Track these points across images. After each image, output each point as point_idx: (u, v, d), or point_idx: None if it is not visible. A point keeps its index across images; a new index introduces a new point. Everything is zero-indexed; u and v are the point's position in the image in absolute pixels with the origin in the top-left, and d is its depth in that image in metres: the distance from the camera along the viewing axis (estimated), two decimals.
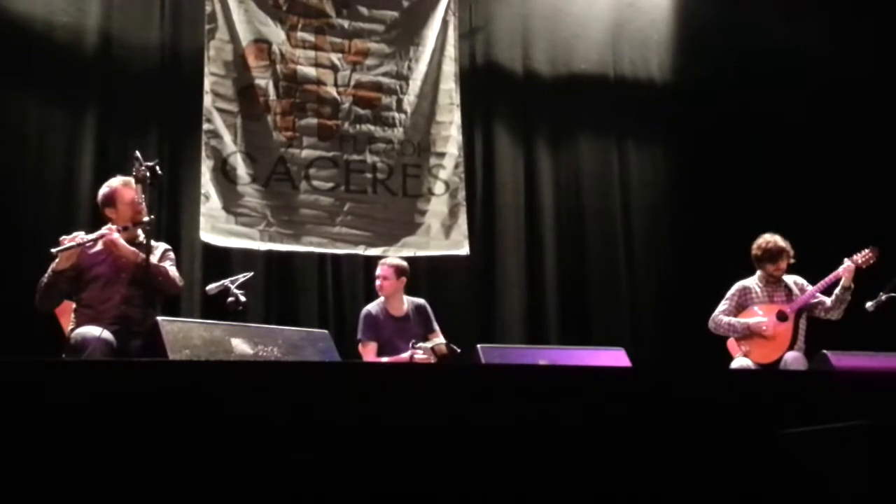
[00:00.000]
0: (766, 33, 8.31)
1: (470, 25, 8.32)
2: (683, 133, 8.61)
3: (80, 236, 5.13)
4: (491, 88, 8.37)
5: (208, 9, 7.40)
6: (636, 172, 8.60)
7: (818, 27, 8.36)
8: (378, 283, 6.64)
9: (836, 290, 6.32)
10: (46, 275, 5.12)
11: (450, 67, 8.08)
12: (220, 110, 7.38)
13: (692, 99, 8.57)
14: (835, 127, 8.21)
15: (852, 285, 6.28)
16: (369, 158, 7.77)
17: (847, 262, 6.28)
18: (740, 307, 6.50)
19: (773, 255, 6.43)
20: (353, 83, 7.81)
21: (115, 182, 5.35)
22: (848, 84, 8.26)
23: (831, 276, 6.32)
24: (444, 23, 8.08)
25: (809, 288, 6.42)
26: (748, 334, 6.36)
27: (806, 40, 8.33)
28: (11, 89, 6.95)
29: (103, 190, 5.37)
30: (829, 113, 8.25)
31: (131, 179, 5.26)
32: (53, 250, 5.05)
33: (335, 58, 7.80)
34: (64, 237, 5.11)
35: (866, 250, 6.35)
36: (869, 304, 6.25)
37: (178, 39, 7.48)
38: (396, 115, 7.90)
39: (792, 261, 6.46)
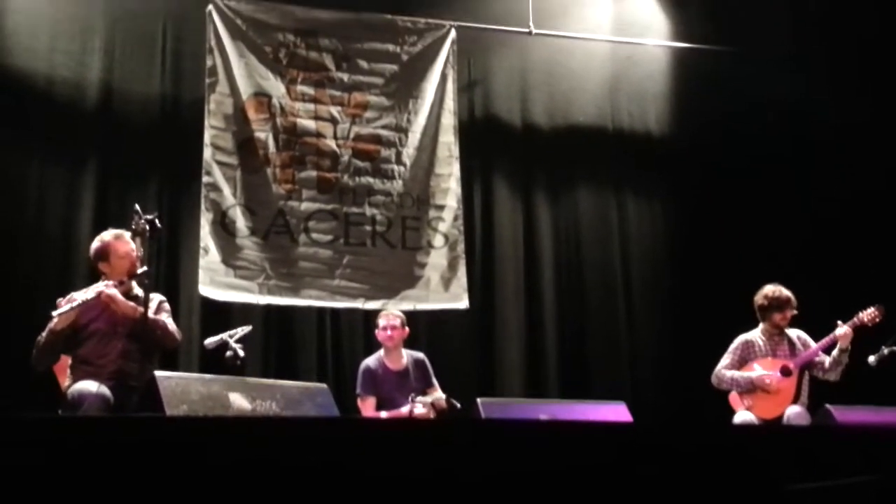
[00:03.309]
0: (763, 86, 8.35)
1: (469, 79, 8.37)
2: (682, 185, 8.62)
3: (75, 297, 5.10)
4: (490, 141, 8.40)
5: (209, 62, 7.45)
6: (635, 224, 8.60)
7: (817, 80, 8.39)
8: (387, 333, 6.56)
9: (834, 353, 6.24)
10: (43, 334, 5.08)
11: (449, 120, 8.09)
12: (219, 163, 7.39)
13: (690, 151, 8.59)
14: (835, 180, 8.22)
15: (850, 347, 6.20)
16: (368, 211, 7.77)
17: (845, 327, 6.20)
18: (743, 361, 6.42)
19: (780, 304, 6.39)
20: (352, 136, 7.83)
21: (107, 236, 5.32)
22: (848, 137, 8.27)
23: (833, 336, 6.24)
24: (443, 76, 8.12)
25: (812, 343, 6.36)
26: (752, 388, 6.29)
27: (805, 93, 8.36)
28: (12, 143, 6.98)
29: (95, 244, 5.33)
30: (830, 166, 8.27)
31: (124, 232, 5.25)
32: (53, 313, 5.01)
33: (335, 111, 7.82)
34: (60, 299, 5.09)
35: (872, 308, 6.25)
36: (871, 359, 6.20)
37: (178, 93, 7.54)
38: (395, 167, 7.90)
39: (795, 311, 6.43)
